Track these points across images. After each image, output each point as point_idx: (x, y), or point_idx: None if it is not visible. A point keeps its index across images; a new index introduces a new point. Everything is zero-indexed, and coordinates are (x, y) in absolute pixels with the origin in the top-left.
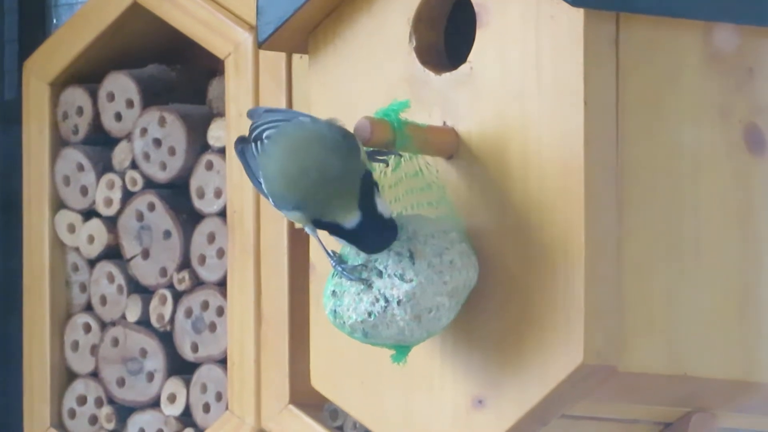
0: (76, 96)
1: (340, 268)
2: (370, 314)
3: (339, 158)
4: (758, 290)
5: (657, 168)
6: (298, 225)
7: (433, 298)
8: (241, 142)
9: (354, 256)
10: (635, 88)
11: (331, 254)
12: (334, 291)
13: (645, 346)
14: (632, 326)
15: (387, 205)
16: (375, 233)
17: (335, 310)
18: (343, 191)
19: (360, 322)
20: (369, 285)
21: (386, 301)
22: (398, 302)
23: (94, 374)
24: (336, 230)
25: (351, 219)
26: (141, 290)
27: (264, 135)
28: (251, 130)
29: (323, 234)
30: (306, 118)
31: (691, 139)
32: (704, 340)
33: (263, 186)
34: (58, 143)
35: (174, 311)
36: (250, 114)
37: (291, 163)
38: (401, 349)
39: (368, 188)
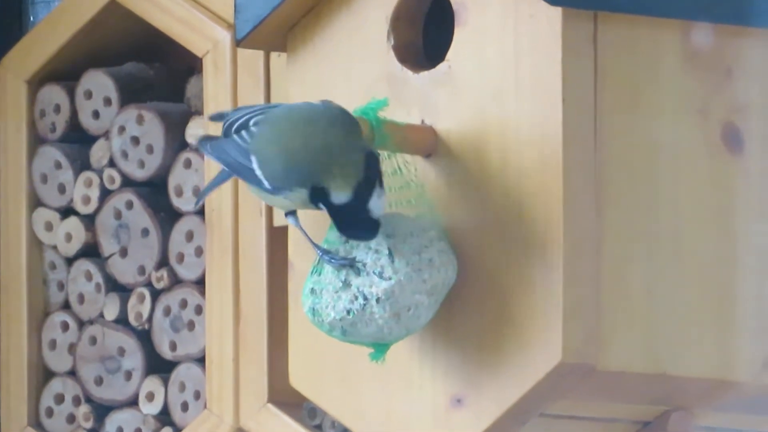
0: (53, 94)
1: (327, 257)
2: (348, 312)
3: (341, 129)
4: (736, 289)
5: (636, 166)
6: (278, 222)
7: (412, 296)
8: (209, 139)
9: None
10: (614, 86)
11: (317, 245)
12: (312, 289)
13: (624, 345)
14: (611, 325)
15: (382, 204)
16: (356, 222)
17: (314, 308)
18: (346, 164)
19: (339, 320)
20: (348, 283)
21: (365, 298)
22: (377, 300)
23: (72, 373)
24: (322, 199)
25: (342, 196)
26: (119, 289)
27: (251, 122)
28: (229, 124)
29: (308, 226)
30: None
31: (670, 138)
32: (683, 338)
33: (258, 171)
34: (36, 141)
35: (152, 310)
36: (217, 116)
37: (293, 139)
38: (380, 348)
39: (372, 175)
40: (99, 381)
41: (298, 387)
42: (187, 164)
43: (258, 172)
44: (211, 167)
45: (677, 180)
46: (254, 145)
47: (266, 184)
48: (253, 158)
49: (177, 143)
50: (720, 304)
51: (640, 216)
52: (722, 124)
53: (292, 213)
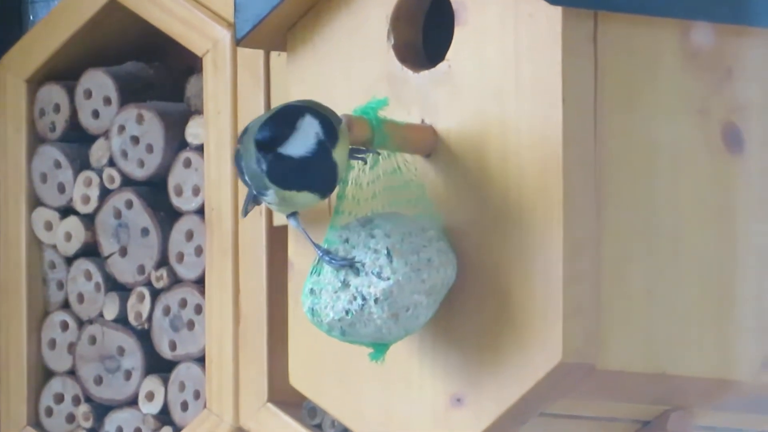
0: (53, 93)
1: (327, 258)
2: (347, 312)
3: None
4: (736, 288)
5: (635, 166)
6: (277, 222)
7: (411, 296)
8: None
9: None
10: (614, 86)
11: (317, 245)
12: (312, 289)
13: (623, 345)
14: (611, 324)
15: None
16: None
17: (313, 308)
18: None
19: (337, 321)
20: (347, 283)
21: (363, 299)
22: (375, 300)
23: (72, 372)
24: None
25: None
26: (119, 288)
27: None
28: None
29: (307, 227)
30: None
31: (670, 138)
32: (682, 338)
33: (246, 176)
34: (35, 140)
35: (152, 309)
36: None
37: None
38: (379, 348)
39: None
40: (98, 380)
41: (298, 386)
42: (187, 163)
43: (246, 177)
44: (211, 167)
45: (677, 180)
46: (241, 151)
47: (253, 189)
48: (243, 164)
49: (177, 143)
50: (720, 304)
51: (639, 216)
52: (722, 124)
53: (293, 214)
